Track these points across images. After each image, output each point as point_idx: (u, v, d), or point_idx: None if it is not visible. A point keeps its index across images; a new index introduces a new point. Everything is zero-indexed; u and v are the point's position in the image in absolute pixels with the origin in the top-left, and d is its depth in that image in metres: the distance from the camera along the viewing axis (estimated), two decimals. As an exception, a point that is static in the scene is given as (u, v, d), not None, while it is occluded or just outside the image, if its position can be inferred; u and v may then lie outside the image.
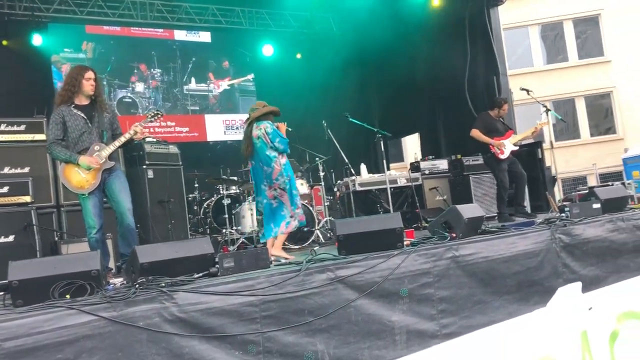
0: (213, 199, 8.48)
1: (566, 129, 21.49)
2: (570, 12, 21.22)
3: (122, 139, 4.71)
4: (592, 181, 18.70)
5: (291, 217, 5.25)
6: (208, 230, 8.27)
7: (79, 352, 3.01)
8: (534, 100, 7.32)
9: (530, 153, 9.03)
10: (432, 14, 10.34)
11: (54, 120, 4.57)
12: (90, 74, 4.66)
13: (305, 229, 7.10)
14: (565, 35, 21.59)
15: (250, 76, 11.72)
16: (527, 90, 6.96)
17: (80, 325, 3.04)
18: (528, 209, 7.92)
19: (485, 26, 9.55)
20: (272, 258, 4.63)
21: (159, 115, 5.13)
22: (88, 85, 4.63)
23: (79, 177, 4.52)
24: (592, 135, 21.15)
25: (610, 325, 2.60)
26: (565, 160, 19.99)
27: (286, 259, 4.90)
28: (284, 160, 5.33)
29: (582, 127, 21.22)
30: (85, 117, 4.62)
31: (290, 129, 5.53)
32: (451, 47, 10.18)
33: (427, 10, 10.35)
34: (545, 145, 9.29)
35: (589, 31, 21.70)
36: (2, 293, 3.61)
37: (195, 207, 8.58)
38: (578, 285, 2.66)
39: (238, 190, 8.28)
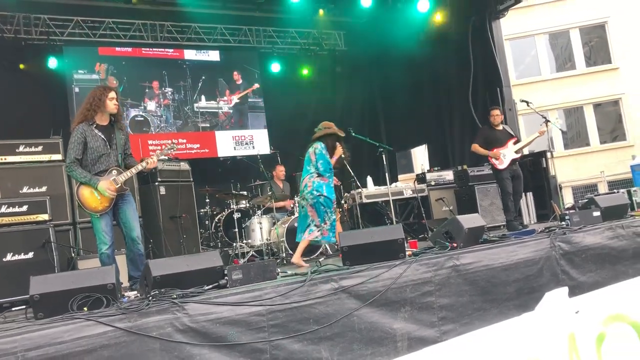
0: (224, 213, 8.67)
1: (577, 136, 21.51)
2: (577, 20, 21.33)
3: (139, 167, 4.94)
4: (603, 189, 18.69)
5: (316, 226, 5.85)
6: (219, 244, 8.45)
7: (97, 361, 3.20)
8: (535, 110, 7.44)
9: (534, 163, 9.16)
10: (436, 28, 10.57)
11: (76, 140, 4.70)
12: (113, 94, 4.83)
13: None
14: (573, 44, 21.68)
15: (256, 86, 11.95)
16: (527, 102, 7.12)
17: (97, 335, 3.22)
18: (527, 221, 8.14)
19: (487, 39, 9.74)
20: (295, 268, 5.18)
21: (174, 149, 5.40)
22: (111, 105, 4.80)
23: (94, 198, 4.71)
24: (601, 142, 21.15)
25: (597, 328, 2.73)
26: (575, 168, 20.01)
27: (302, 266, 5.36)
28: (319, 180, 5.90)
29: (592, 134, 21.23)
30: (105, 138, 4.79)
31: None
32: (455, 60, 10.39)
33: (431, 25, 10.58)
34: (556, 153, 9.42)
35: (596, 39, 21.79)
36: (24, 307, 3.82)
37: (207, 222, 8.77)
38: (565, 289, 2.78)
39: (248, 205, 8.48)
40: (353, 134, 7.33)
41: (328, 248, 7.54)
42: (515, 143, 7.26)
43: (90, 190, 4.71)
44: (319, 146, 6.03)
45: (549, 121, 6.92)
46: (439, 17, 10.29)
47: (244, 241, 7.69)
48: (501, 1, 9.71)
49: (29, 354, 3.03)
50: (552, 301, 2.83)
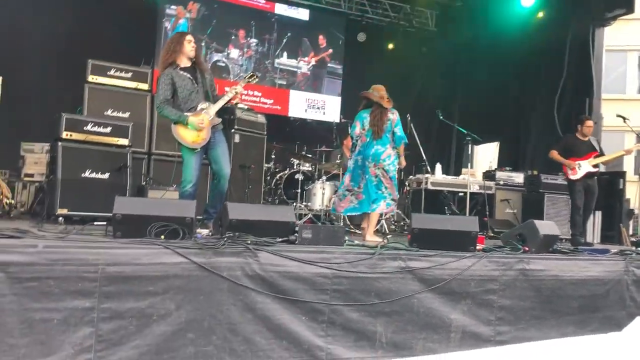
0: (285, 172, 8.73)
1: (649, 163, 20.56)
2: (677, 42, 20.19)
3: (226, 98, 5.00)
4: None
5: (392, 200, 5.60)
6: (277, 200, 8.54)
7: (168, 289, 3.26)
8: (631, 129, 7.10)
9: (610, 182, 8.81)
10: (534, 25, 10.19)
11: (164, 81, 4.86)
12: (190, 37, 4.98)
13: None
14: (667, 66, 20.57)
15: (330, 51, 11.87)
16: (624, 118, 6.80)
17: (173, 264, 3.29)
18: (590, 239, 7.85)
19: (587, 46, 9.31)
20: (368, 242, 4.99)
21: (255, 78, 5.32)
22: (189, 47, 4.92)
23: (191, 133, 4.81)
24: (676, 175, 20.13)
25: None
26: (642, 196, 19.19)
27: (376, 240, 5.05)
28: (394, 151, 5.67)
29: (668, 165, 20.21)
30: (191, 77, 4.93)
31: None
32: (547, 61, 10.00)
33: (529, 21, 10.21)
34: (630, 177, 9.03)
35: (693, 66, 20.62)
36: (104, 223, 3.96)
37: (268, 177, 8.85)
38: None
39: (311, 168, 8.50)
40: (441, 117, 7.16)
41: (385, 226, 7.52)
42: (596, 157, 7.01)
43: (185, 127, 4.81)
44: (397, 114, 5.69)
45: (645, 142, 6.61)
46: (541, 15, 9.88)
47: (304, 203, 7.73)
48: (611, 9, 9.22)
49: (108, 268, 3.13)
50: (642, 326, 2.72)
